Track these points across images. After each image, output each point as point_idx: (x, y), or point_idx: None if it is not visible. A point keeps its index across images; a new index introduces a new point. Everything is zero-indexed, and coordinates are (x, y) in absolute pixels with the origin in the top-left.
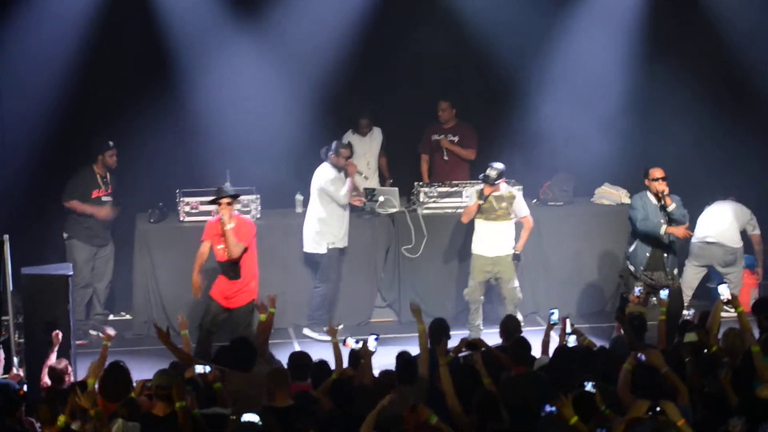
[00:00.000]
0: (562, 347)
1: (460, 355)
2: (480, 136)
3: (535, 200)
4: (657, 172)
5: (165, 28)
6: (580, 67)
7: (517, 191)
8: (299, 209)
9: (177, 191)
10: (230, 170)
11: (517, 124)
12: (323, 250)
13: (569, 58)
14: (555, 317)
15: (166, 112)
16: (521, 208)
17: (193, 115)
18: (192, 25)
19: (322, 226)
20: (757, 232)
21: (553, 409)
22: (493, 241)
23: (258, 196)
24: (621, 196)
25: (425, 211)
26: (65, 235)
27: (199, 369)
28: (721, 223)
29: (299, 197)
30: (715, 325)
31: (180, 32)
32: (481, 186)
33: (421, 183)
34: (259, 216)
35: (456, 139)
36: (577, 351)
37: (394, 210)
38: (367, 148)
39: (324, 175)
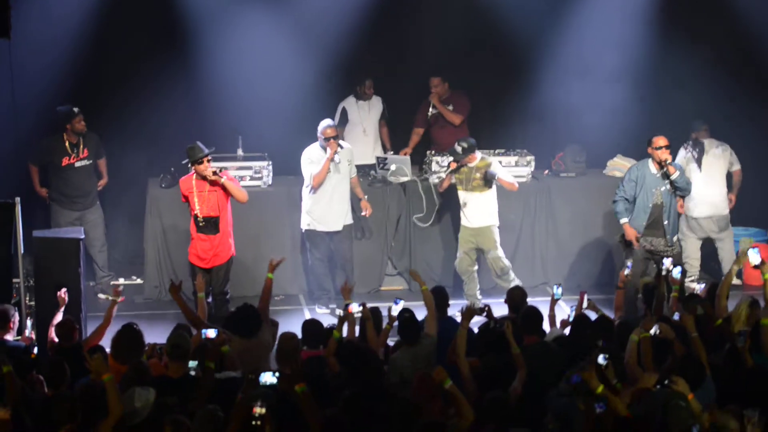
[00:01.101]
0: (581, 317)
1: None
2: (493, 108)
3: (547, 171)
4: (660, 140)
5: None
6: (593, 40)
7: (494, 159)
8: None
9: (187, 163)
10: (242, 136)
11: (530, 96)
12: (303, 228)
13: (583, 30)
14: (558, 292)
15: (179, 79)
16: (498, 171)
17: (205, 82)
18: None
19: (302, 205)
20: (738, 167)
21: (580, 379)
22: (473, 211)
23: (270, 162)
24: None
25: (437, 180)
26: (48, 200)
27: (207, 333)
28: (713, 194)
29: None
30: (723, 296)
31: (193, 1)
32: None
33: (432, 152)
34: (270, 183)
35: (451, 107)
36: (595, 321)
37: (405, 179)
38: (366, 114)
39: (305, 153)
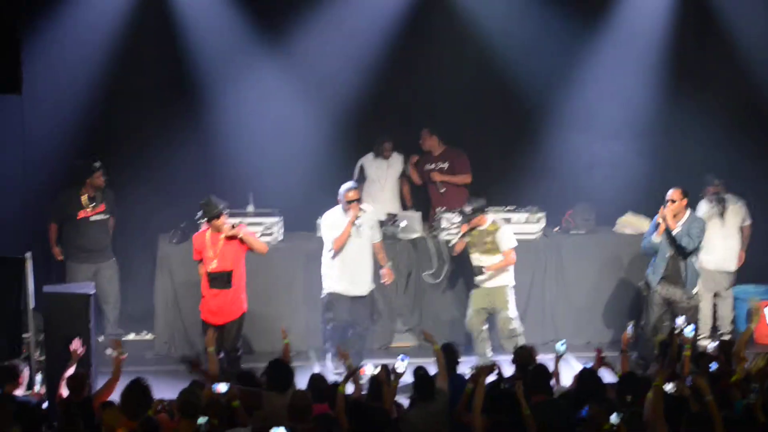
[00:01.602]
0: (584, 371)
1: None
2: (502, 165)
3: (557, 228)
4: (669, 194)
5: (190, 48)
6: (602, 94)
7: (503, 222)
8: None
9: (201, 220)
10: (253, 192)
11: (539, 152)
12: (323, 293)
13: (592, 84)
14: (562, 348)
15: (190, 134)
16: (503, 240)
17: (216, 137)
18: (217, 47)
19: (322, 269)
20: (749, 222)
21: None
22: (487, 273)
23: (281, 218)
24: (644, 225)
25: (447, 237)
26: (62, 257)
27: (219, 387)
28: (732, 248)
29: (321, 221)
30: (741, 352)
31: (205, 53)
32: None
33: (443, 209)
34: (281, 238)
35: (446, 165)
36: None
37: (416, 235)
38: (384, 173)
39: (325, 218)
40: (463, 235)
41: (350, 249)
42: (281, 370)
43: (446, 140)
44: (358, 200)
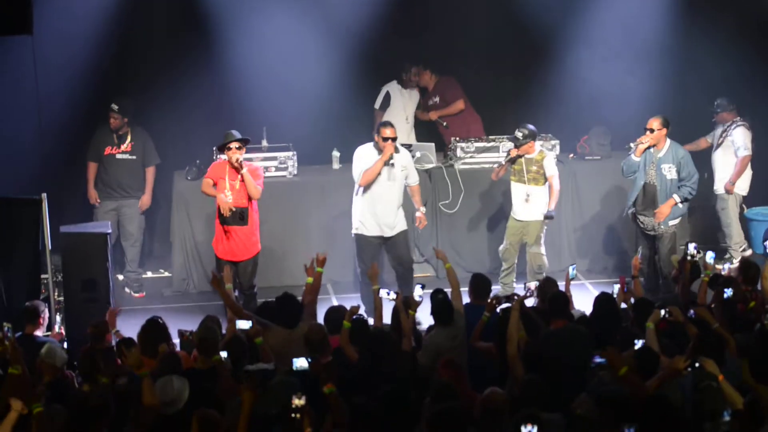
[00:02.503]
0: (601, 296)
1: (499, 308)
2: (516, 92)
3: (572, 154)
4: (648, 122)
5: None
6: (616, 20)
7: (549, 151)
8: (336, 165)
9: (214, 148)
10: (266, 127)
11: (554, 79)
12: (352, 232)
13: (606, 11)
14: (573, 272)
15: (203, 71)
16: (549, 167)
17: (229, 73)
18: None
19: (353, 209)
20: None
21: (602, 360)
22: (524, 204)
23: (294, 152)
24: None
25: (462, 167)
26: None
27: (241, 324)
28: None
29: (336, 153)
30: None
31: None
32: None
33: (458, 138)
34: (295, 173)
35: (437, 99)
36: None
37: (431, 165)
38: (408, 102)
39: (357, 151)
40: (510, 160)
41: (379, 190)
42: (289, 305)
43: (457, 73)
44: (394, 139)
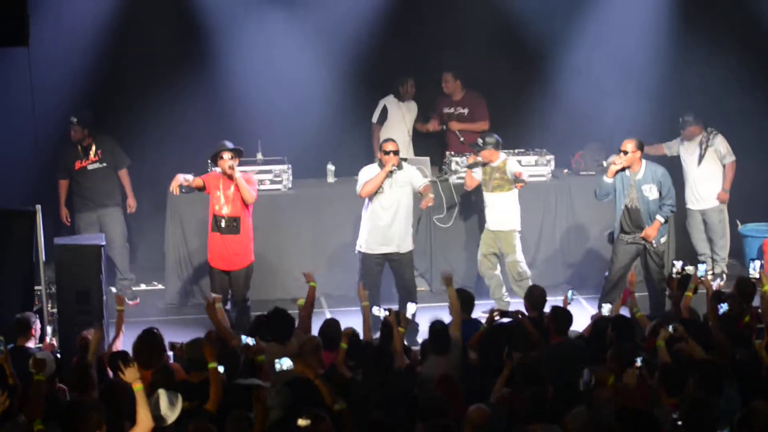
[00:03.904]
0: (600, 318)
1: (497, 321)
2: (510, 106)
3: (566, 170)
4: (623, 144)
5: (198, 1)
6: (611, 37)
7: (511, 158)
8: (331, 179)
9: (208, 161)
10: (261, 140)
11: (549, 94)
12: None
13: (602, 24)
14: (571, 296)
15: (198, 84)
16: (510, 167)
17: (225, 86)
18: None
19: (361, 225)
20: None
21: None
22: (494, 214)
23: (289, 166)
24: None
25: (457, 181)
26: (69, 221)
27: (245, 340)
28: (708, 188)
29: (331, 167)
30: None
31: (212, 5)
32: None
33: (452, 153)
34: (290, 186)
35: (465, 111)
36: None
37: (425, 180)
38: (407, 115)
39: (362, 170)
40: (469, 166)
41: (383, 205)
42: (281, 320)
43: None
44: (396, 152)
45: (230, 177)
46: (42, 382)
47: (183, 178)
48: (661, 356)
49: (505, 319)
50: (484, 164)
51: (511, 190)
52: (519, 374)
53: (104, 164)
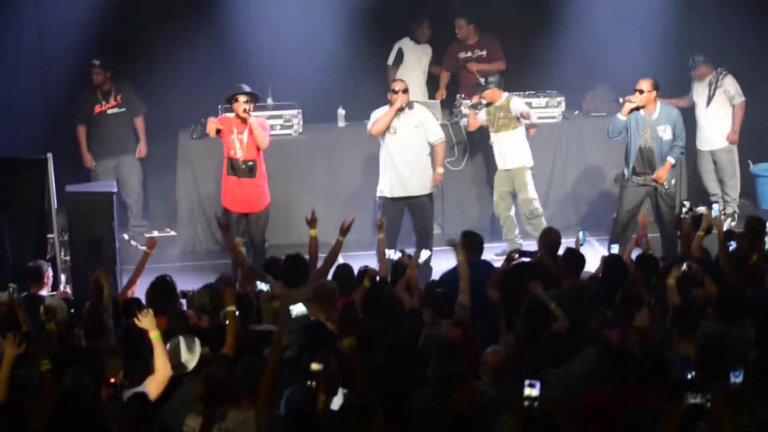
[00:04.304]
0: (610, 257)
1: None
2: (521, 48)
3: (577, 111)
4: (638, 83)
5: None
6: None
7: (515, 96)
8: (341, 123)
9: (219, 107)
10: (272, 86)
11: (558, 35)
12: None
13: None
14: (582, 237)
15: (208, 29)
16: (515, 106)
17: (234, 31)
18: None
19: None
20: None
21: None
22: (503, 153)
23: (300, 110)
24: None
25: (465, 122)
26: (93, 164)
27: (261, 285)
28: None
29: (341, 111)
30: None
31: None
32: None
33: (463, 96)
34: (301, 131)
35: (484, 53)
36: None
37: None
38: (423, 58)
39: (373, 112)
40: (473, 106)
41: (397, 147)
42: (296, 265)
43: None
44: (405, 91)
45: (244, 120)
46: (54, 330)
47: (215, 120)
48: (671, 296)
49: (525, 259)
50: (488, 104)
51: (518, 127)
52: (528, 315)
53: (123, 109)
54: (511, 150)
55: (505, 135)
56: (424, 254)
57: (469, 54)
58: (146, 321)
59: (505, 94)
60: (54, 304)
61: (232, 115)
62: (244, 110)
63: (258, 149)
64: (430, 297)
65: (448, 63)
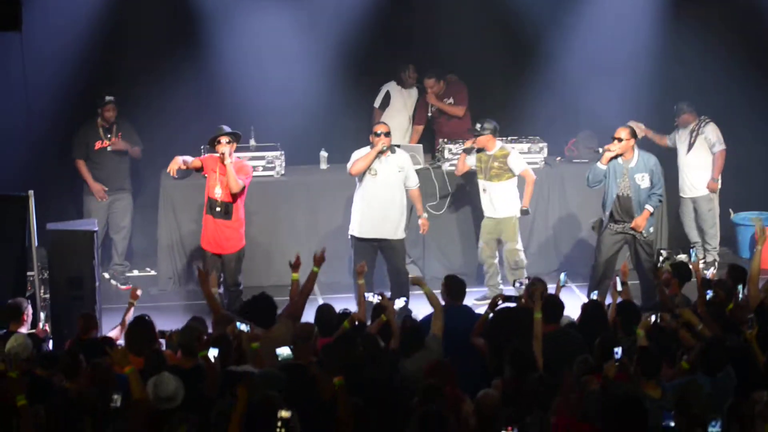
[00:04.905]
0: (588, 304)
1: (500, 305)
2: (503, 93)
3: (559, 158)
4: (616, 131)
5: None
6: (606, 26)
7: (512, 148)
8: (323, 165)
9: (202, 147)
10: (255, 127)
11: (542, 83)
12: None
13: (595, 14)
14: (564, 279)
15: (193, 68)
16: (516, 164)
17: (218, 73)
18: None
19: (352, 209)
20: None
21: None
22: (493, 202)
23: (282, 152)
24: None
25: (450, 168)
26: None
27: (241, 326)
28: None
29: (324, 153)
30: (755, 281)
31: None
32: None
33: (445, 140)
34: (283, 172)
35: (451, 100)
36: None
37: (418, 167)
38: (409, 102)
39: (354, 153)
40: (466, 150)
41: (375, 190)
42: (264, 305)
43: (449, 71)
44: (387, 134)
45: (222, 161)
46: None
47: (182, 160)
48: (640, 344)
49: (509, 304)
50: (478, 150)
51: (511, 178)
52: (511, 362)
53: (123, 147)
54: (502, 200)
55: (497, 185)
56: (399, 302)
57: (443, 100)
58: (118, 356)
59: (499, 143)
60: (15, 346)
61: (218, 154)
62: (222, 153)
63: (236, 192)
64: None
65: (419, 118)
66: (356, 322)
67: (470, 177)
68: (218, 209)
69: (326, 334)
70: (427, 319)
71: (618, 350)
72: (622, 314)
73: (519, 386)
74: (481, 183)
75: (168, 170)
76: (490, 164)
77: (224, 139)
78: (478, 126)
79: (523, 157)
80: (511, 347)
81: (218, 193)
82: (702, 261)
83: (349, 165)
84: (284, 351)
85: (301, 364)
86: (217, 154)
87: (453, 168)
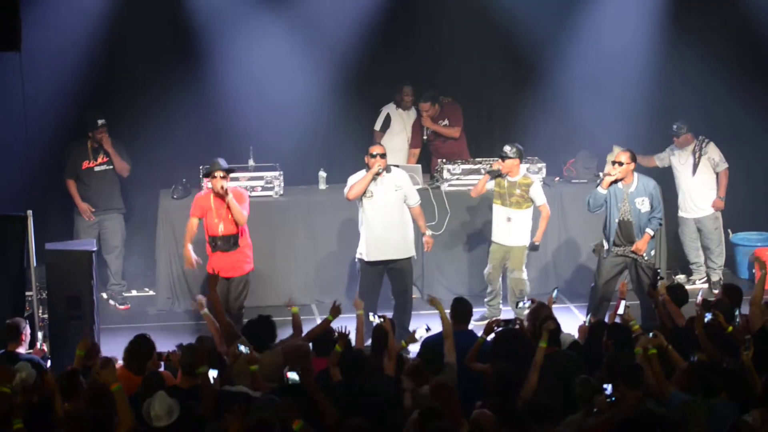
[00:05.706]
0: (597, 324)
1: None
2: (502, 113)
3: (558, 178)
4: (617, 155)
5: (190, 5)
6: (603, 44)
7: (536, 178)
8: (322, 186)
9: (200, 167)
10: (253, 147)
11: (540, 101)
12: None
13: (593, 34)
14: (556, 295)
15: (190, 89)
16: (538, 195)
17: (217, 92)
18: (216, 1)
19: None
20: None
21: None
22: (507, 229)
23: (281, 172)
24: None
25: (448, 188)
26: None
27: (241, 348)
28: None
29: (323, 174)
30: (757, 303)
31: (204, 8)
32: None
33: (444, 160)
34: (282, 193)
35: (447, 122)
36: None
37: (417, 187)
38: (407, 121)
39: (350, 177)
40: (490, 172)
41: (372, 211)
42: (260, 328)
43: (446, 93)
44: (383, 155)
45: (222, 197)
46: (7, 394)
47: (195, 259)
48: (638, 362)
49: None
50: (500, 175)
51: (530, 207)
52: (493, 385)
53: (111, 166)
54: (517, 229)
55: (515, 212)
56: (421, 331)
57: (438, 122)
58: (105, 373)
59: (523, 170)
60: (15, 369)
61: (204, 192)
62: (221, 187)
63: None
64: (418, 353)
65: (415, 141)
66: (349, 345)
67: (469, 197)
68: (223, 244)
69: (321, 354)
70: (430, 339)
71: (608, 387)
72: (614, 337)
73: (500, 410)
74: (503, 210)
75: (186, 266)
76: (511, 191)
77: (219, 174)
78: (507, 149)
79: None
80: (495, 370)
81: (221, 229)
82: (703, 281)
83: (345, 190)
84: (294, 376)
85: (301, 387)
86: (204, 192)
87: (452, 188)
